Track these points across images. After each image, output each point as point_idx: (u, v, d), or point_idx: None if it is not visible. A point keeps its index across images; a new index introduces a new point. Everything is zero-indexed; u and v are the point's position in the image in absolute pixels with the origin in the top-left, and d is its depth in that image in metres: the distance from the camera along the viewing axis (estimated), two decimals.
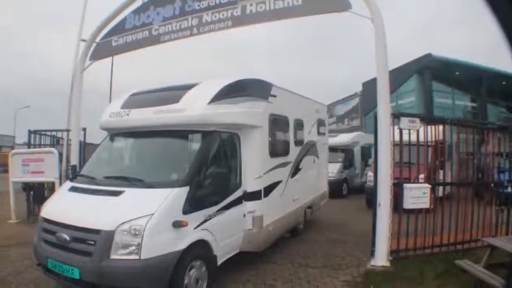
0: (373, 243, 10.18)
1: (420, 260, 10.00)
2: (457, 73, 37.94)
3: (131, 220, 6.94)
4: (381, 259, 9.85)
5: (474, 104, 44.41)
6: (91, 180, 8.83)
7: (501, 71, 33.93)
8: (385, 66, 10.06)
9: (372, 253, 10.19)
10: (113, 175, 8.95)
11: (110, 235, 6.85)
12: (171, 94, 9.38)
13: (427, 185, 10.45)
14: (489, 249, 8.44)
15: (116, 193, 7.73)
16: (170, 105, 8.86)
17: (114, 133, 10.17)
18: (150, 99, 9.58)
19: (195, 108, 8.68)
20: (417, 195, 10.09)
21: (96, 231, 6.96)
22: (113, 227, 6.87)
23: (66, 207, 8.22)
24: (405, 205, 10.09)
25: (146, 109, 9.15)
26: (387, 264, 9.78)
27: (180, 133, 9.06)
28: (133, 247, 6.82)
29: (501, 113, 43.20)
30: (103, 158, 10.36)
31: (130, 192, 7.73)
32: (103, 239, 6.86)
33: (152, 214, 7.04)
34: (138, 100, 9.79)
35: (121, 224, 6.89)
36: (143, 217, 6.96)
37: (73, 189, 8.73)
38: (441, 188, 11.73)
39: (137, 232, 6.84)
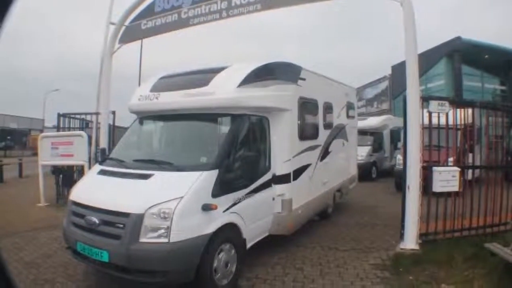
0: (402, 226, 10.18)
1: (449, 243, 9.95)
2: (486, 56, 37.57)
3: (160, 203, 6.95)
4: (410, 242, 9.84)
5: (503, 87, 43.80)
6: (120, 163, 8.88)
7: None
8: (414, 49, 9.96)
9: (401, 236, 10.19)
10: (142, 158, 9.11)
11: (139, 218, 6.87)
12: (200, 77, 9.34)
13: (456, 168, 10.39)
14: None
15: (145, 176, 7.75)
16: (200, 88, 8.75)
17: (143, 117, 10.27)
18: (179, 82, 9.49)
19: (224, 91, 8.60)
20: (447, 178, 10.03)
21: (125, 214, 7.00)
22: (143, 210, 6.90)
23: (96, 190, 8.30)
24: (434, 188, 10.03)
25: (175, 92, 9.10)
26: (416, 247, 9.78)
27: (209, 116, 8.98)
28: (162, 230, 6.83)
29: None
30: (132, 142, 10.38)
31: (159, 176, 7.73)
32: (132, 222, 6.88)
33: (182, 197, 7.04)
34: (167, 83, 9.74)
35: (151, 207, 6.91)
36: (173, 200, 6.98)
37: (102, 172, 8.78)
38: (470, 171, 11.64)
39: (166, 215, 6.84)
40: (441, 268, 8.71)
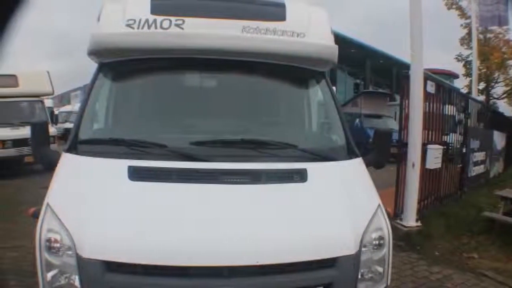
0: (397, 203, 10.17)
1: (436, 216, 10.68)
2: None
3: (369, 221, 3.88)
4: (411, 219, 9.80)
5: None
6: (165, 150, 4.15)
7: None
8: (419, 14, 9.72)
9: (396, 214, 10.02)
10: (218, 136, 4.51)
11: (354, 260, 3.63)
12: (259, 6, 5.19)
13: (440, 146, 11.00)
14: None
15: (298, 175, 4.09)
16: (272, 22, 4.82)
17: (133, 59, 4.91)
18: (221, 6, 4.95)
19: (318, 33, 4.98)
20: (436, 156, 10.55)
21: (325, 262, 3.57)
22: (356, 243, 3.66)
23: (181, 225, 3.50)
24: (428, 165, 10.34)
25: (220, 21, 4.73)
26: (418, 223, 9.81)
27: (284, 68, 5.06)
28: (379, 268, 3.87)
29: None
30: (123, 105, 5.29)
31: (315, 171, 4.14)
32: (343, 273, 3.58)
33: (379, 205, 4.11)
34: (193, 4, 5.02)
35: (365, 233, 3.77)
36: (377, 212, 4.02)
37: (145, 174, 3.86)
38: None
39: (381, 241, 3.87)
40: (447, 241, 9.31)
